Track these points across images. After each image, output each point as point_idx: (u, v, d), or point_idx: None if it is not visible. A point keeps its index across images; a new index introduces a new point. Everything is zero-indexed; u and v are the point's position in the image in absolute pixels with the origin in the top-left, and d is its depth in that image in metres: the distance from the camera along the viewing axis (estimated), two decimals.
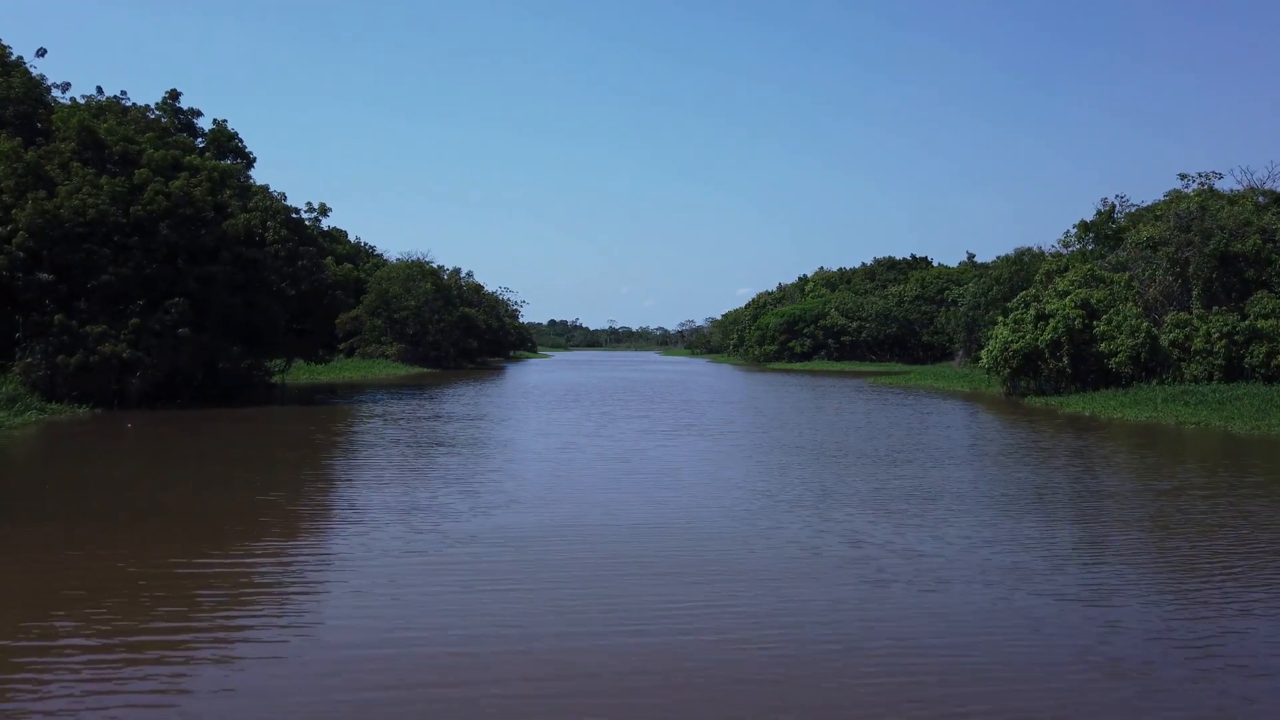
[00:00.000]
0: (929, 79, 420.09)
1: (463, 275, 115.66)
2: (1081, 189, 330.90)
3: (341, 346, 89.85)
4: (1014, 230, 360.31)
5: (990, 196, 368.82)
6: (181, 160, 38.51)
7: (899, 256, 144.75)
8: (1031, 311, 46.80)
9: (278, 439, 25.99)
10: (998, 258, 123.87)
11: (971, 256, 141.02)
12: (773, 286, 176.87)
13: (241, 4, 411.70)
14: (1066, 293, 46.68)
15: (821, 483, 18.30)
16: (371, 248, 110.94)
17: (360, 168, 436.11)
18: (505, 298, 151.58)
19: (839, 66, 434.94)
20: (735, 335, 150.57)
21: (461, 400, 41.88)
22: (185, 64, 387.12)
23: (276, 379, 51.74)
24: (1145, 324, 43.55)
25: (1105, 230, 64.89)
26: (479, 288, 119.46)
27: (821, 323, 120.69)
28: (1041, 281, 50.86)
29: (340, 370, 68.43)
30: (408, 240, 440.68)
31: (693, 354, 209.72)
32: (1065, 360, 44.67)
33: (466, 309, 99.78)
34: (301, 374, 59.76)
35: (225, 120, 47.94)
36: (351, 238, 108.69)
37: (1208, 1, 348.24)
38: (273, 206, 40.80)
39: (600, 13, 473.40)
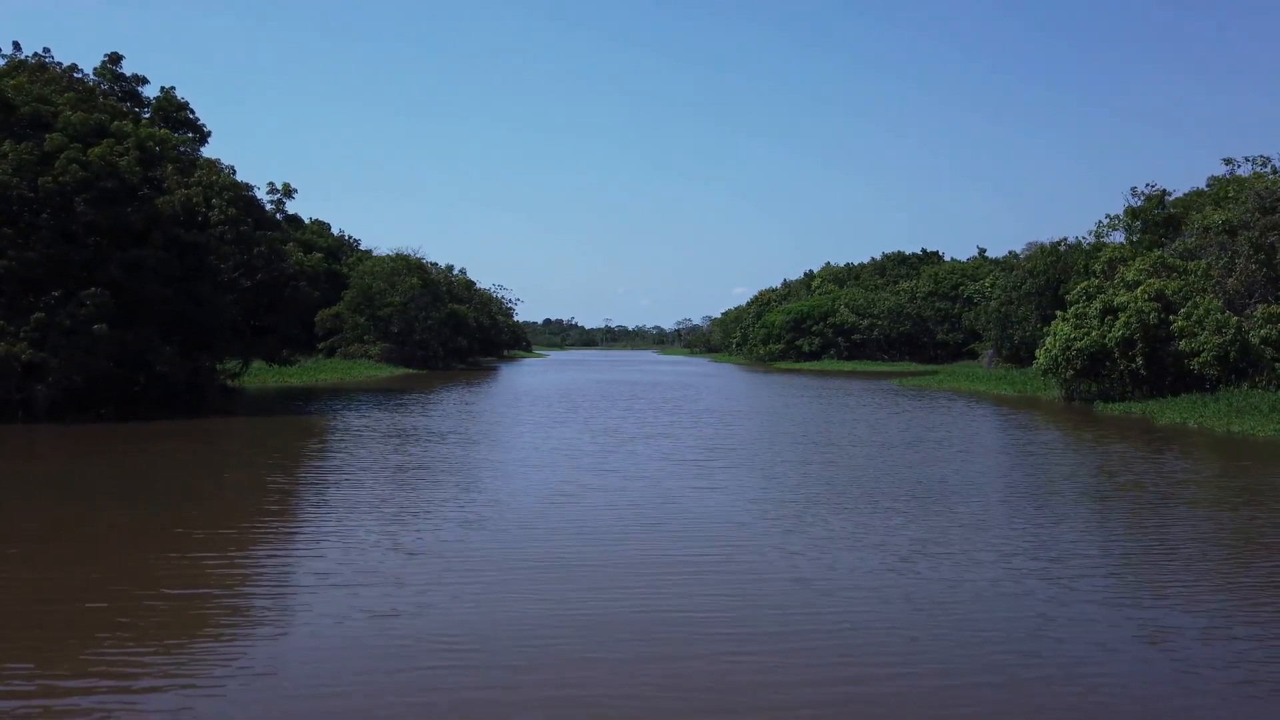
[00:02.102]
0: (924, 78, 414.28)
1: (455, 271, 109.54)
2: (1076, 186, 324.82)
3: (321, 346, 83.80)
4: (1009, 228, 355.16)
5: (986, 193, 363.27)
6: (108, 126, 32.42)
7: (907, 251, 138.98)
8: (1096, 305, 40.90)
9: (161, 473, 19.71)
10: (1014, 250, 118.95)
11: (982, 251, 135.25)
12: (769, 285, 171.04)
13: (235, 3, 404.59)
14: (1136, 283, 40.79)
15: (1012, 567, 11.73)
16: (356, 241, 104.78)
17: (353, 167, 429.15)
18: (499, 295, 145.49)
19: (833, 65, 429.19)
20: (738, 334, 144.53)
21: (439, 411, 35.58)
22: (180, 64, 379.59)
23: (237, 382, 45.76)
24: (1234, 319, 37.69)
25: (1154, 217, 59.02)
26: (470, 284, 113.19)
27: (831, 320, 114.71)
28: (1103, 271, 44.93)
29: (316, 372, 62.31)
30: (401, 239, 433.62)
31: (692, 353, 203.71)
32: (1139, 361, 38.79)
33: (456, 306, 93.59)
34: (270, 377, 53.70)
35: (173, 88, 41.89)
36: (335, 231, 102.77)
37: (1202, 2, 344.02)
38: (220, 181, 34.69)
39: (595, 11, 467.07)
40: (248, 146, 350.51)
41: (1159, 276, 41.40)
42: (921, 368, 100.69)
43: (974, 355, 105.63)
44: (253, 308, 40.06)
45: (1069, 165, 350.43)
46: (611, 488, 17.53)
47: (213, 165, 36.13)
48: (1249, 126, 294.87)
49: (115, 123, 32.97)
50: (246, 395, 43.09)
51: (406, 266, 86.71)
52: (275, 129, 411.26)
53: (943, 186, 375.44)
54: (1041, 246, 69.00)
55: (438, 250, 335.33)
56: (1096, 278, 44.14)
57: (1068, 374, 40.78)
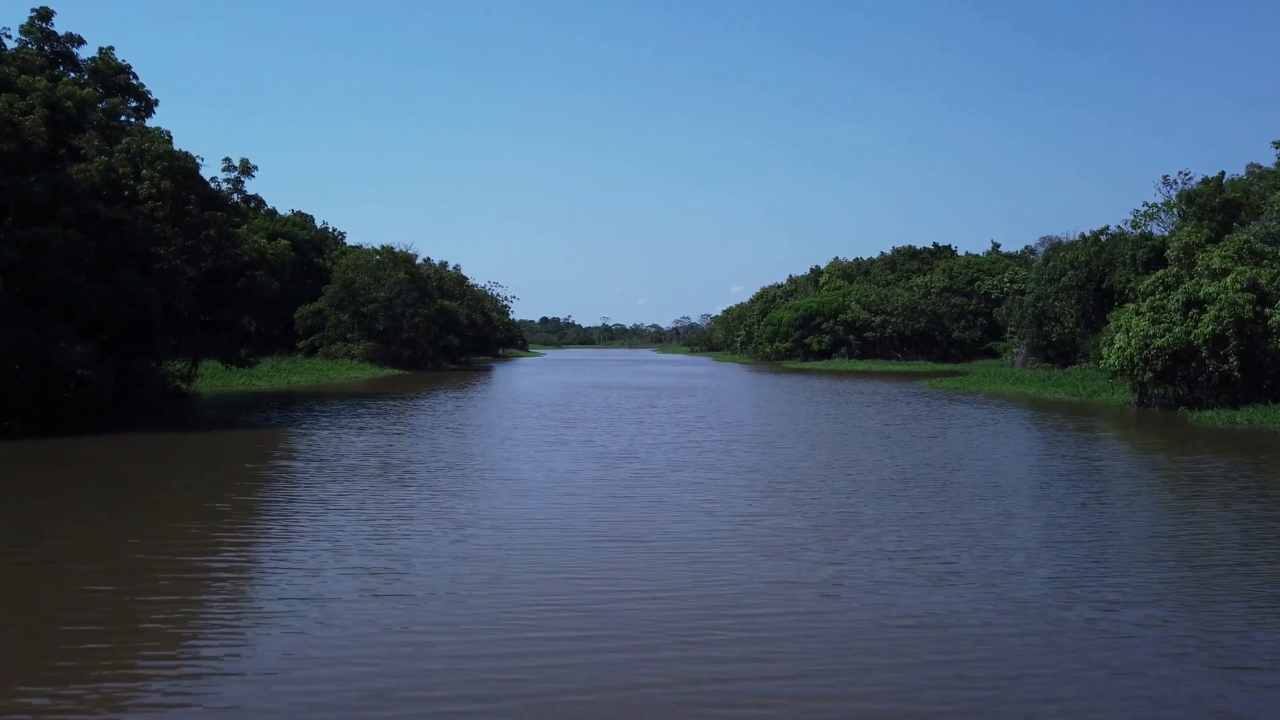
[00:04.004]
0: (918, 81, 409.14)
1: (449, 268, 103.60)
2: (1068, 189, 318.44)
3: (301, 345, 78.13)
4: (1005, 231, 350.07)
5: (980, 194, 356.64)
6: (14, 81, 26.88)
7: (918, 246, 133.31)
8: (1178, 296, 35.42)
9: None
10: (1029, 245, 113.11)
11: (996, 245, 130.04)
12: (767, 284, 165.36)
13: (235, 15, 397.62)
14: (1224, 271, 35.34)
15: None
16: (341, 234, 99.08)
17: (347, 167, 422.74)
18: (494, 293, 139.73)
19: (831, 68, 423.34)
20: (742, 332, 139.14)
21: (409, 427, 29.00)
22: (176, 69, 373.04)
23: (193, 386, 40.21)
24: None
25: (1211, 202, 53.54)
26: (462, 280, 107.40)
27: (841, 317, 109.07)
28: (1178, 258, 39.46)
29: (290, 374, 56.68)
30: (395, 238, 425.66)
31: (692, 352, 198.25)
32: (1233, 361, 33.33)
33: (446, 302, 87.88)
34: (236, 380, 48.12)
35: (111, 48, 36.22)
36: (319, 223, 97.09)
37: (1186, 7, 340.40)
38: (153, 150, 29.07)
39: (593, 12, 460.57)
40: (236, 145, 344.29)
41: (1247, 263, 35.99)
42: (941, 367, 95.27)
43: (993, 354, 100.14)
44: (204, 300, 34.55)
45: (1055, 168, 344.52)
46: (641, 595, 10.17)
47: (145, 130, 30.47)
48: (1233, 128, 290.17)
49: (23, 77, 27.44)
50: (201, 402, 37.50)
51: (393, 260, 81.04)
52: (266, 129, 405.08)
53: (938, 189, 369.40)
54: (1083, 236, 63.61)
55: (433, 249, 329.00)
56: (1174, 265, 38.61)
57: (1146, 376, 35.27)
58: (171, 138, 30.53)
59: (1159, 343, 34.53)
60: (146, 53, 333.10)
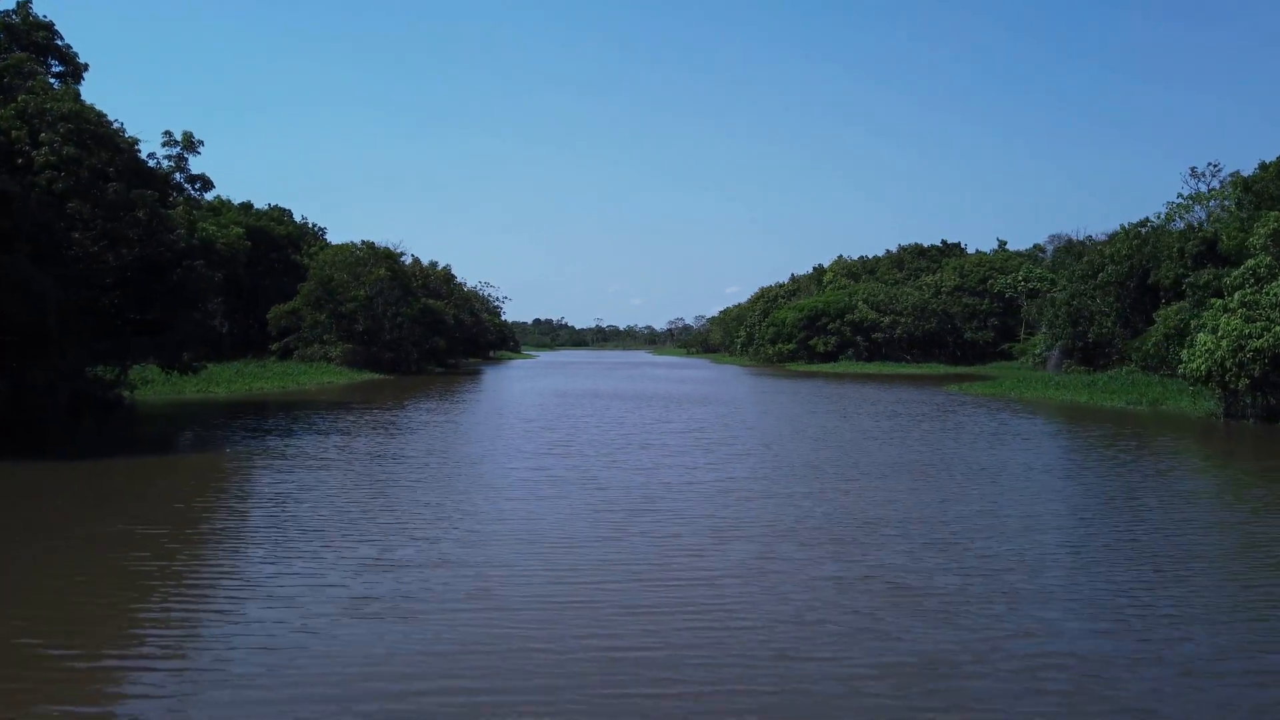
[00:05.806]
0: (914, 83, 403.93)
1: (437, 267, 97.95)
2: (1060, 193, 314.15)
3: (275, 347, 72.79)
4: (1004, 230, 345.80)
5: (974, 196, 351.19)
6: None
7: (925, 244, 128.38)
8: (1276, 289, 30.35)
9: None
10: (1038, 243, 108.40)
11: (1003, 243, 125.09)
12: (762, 284, 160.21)
13: (231, 15, 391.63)
14: None
15: None
16: (321, 230, 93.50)
17: (343, 171, 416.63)
18: (485, 293, 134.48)
19: (827, 70, 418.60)
20: (742, 333, 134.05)
21: (351, 456, 23.07)
22: (176, 72, 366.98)
23: (136, 395, 34.97)
24: None
25: (1271, 189, 48.57)
26: (450, 278, 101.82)
27: (848, 318, 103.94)
28: (1264, 246, 34.39)
29: (254, 379, 51.32)
30: (385, 237, 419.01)
31: (689, 353, 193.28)
32: None
33: (432, 301, 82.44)
34: (190, 386, 42.85)
35: (29, 1, 31.05)
36: (298, 217, 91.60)
37: (1175, 12, 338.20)
38: (56, 109, 23.70)
39: (588, 14, 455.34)
40: (232, 145, 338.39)
41: None
42: (955, 369, 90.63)
43: (1008, 356, 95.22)
44: (133, 295, 29.26)
45: (1054, 169, 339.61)
46: None
47: (51, 91, 25.04)
48: (1218, 130, 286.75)
49: None
50: (137, 415, 32.18)
51: (374, 256, 75.58)
52: (255, 128, 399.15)
53: (935, 191, 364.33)
54: (1122, 228, 58.57)
55: (425, 250, 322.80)
56: (1264, 254, 33.52)
57: (1241, 383, 30.14)
58: (80, 94, 25.10)
59: (1256, 344, 29.45)
60: (139, 46, 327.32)
